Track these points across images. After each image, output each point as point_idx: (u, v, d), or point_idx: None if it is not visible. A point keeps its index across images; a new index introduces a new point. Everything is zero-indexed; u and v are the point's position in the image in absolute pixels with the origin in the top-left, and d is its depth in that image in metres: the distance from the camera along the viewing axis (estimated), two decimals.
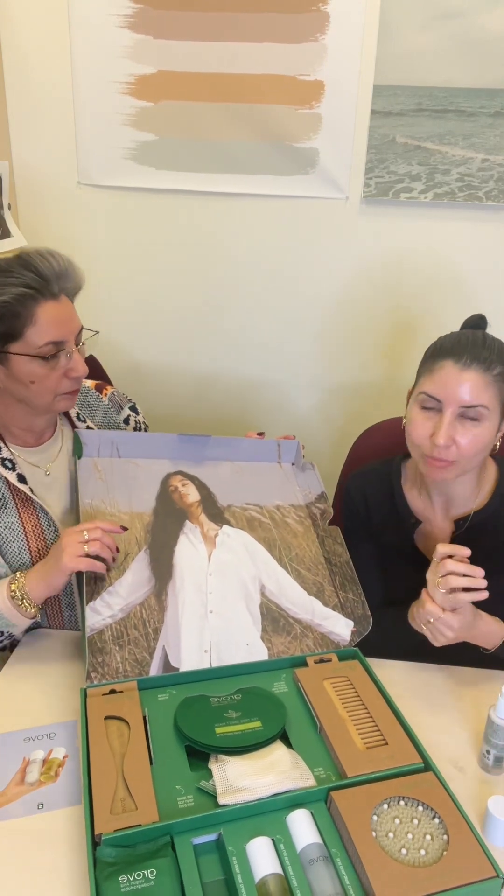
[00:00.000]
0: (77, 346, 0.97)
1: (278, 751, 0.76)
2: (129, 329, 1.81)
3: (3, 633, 0.94)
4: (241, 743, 0.75)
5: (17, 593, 0.92)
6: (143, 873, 0.62)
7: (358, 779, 0.72)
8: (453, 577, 0.84)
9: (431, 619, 0.86)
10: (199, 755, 0.76)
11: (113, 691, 0.82)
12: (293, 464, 1.17)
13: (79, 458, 1.06)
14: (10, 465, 1.00)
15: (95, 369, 1.56)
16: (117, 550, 0.95)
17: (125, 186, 1.66)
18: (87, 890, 0.61)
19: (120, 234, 1.71)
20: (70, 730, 0.84)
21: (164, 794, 0.71)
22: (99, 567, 0.91)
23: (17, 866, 0.68)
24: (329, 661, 0.90)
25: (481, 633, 0.90)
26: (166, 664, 0.88)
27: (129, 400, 1.23)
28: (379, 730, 0.79)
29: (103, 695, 0.82)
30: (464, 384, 0.91)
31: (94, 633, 0.89)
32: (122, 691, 0.82)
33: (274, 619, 0.95)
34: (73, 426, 1.12)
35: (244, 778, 0.71)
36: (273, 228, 1.67)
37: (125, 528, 0.96)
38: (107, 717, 0.79)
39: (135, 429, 1.20)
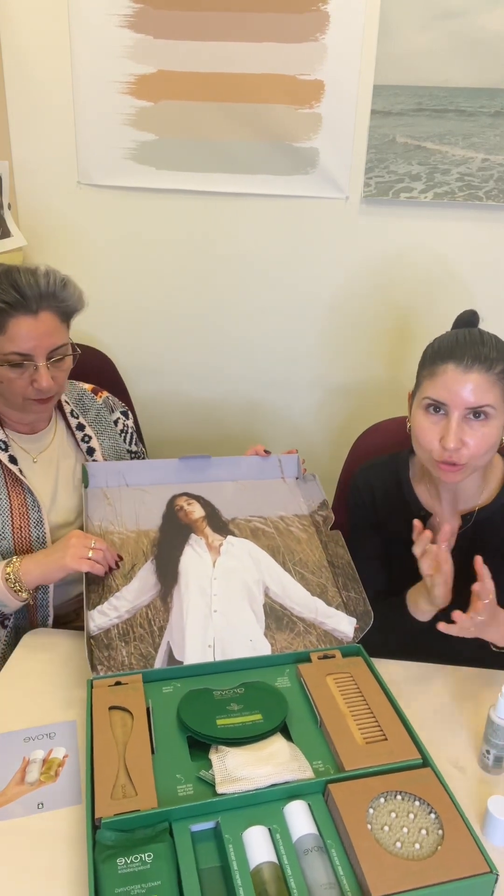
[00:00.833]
0: (50, 360, 1.01)
1: (277, 743, 0.77)
2: (128, 328, 1.82)
3: None
4: (241, 735, 0.77)
5: (12, 576, 0.95)
6: (141, 857, 0.63)
7: (356, 772, 0.73)
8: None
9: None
10: (200, 746, 0.77)
11: (118, 683, 0.84)
12: (296, 478, 1.19)
13: (86, 487, 1.11)
14: (3, 446, 1.06)
15: (108, 370, 1.57)
16: (117, 566, 0.98)
17: (125, 186, 1.67)
18: (87, 890, 0.62)
19: (120, 234, 1.72)
20: (70, 730, 0.84)
21: (164, 782, 0.72)
22: (98, 569, 0.95)
23: (17, 866, 0.68)
24: (332, 657, 0.91)
25: (497, 629, 0.90)
26: (171, 659, 0.89)
27: (123, 406, 1.27)
28: (379, 725, 0.80)
29: (109, 686, 0.83)
30: (468, 386, 0.91)
31: (100, 632, 0.91)
32: (127, 683, 0.84)
33: (277, 617, 0.96)
34: (67, 422, 1.17)
35: (243, 768, 0.72)
36: (273, 228, 1.67)
37: (121, 558, 1.00)
38: (111, 707, 0.80)
39: (122, 431, 1.24)
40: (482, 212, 1.59)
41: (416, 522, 0.94)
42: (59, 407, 1.17)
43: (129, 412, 1.28)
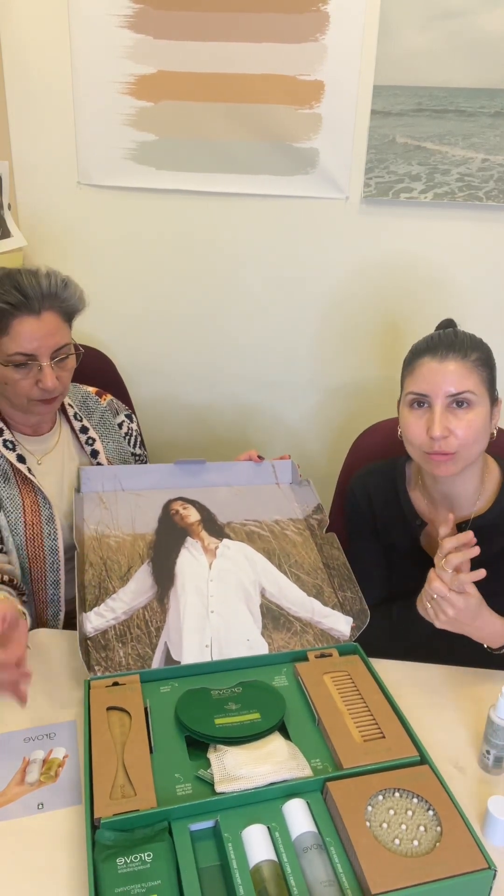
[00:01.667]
0: (54, 360, 1.01)
1: (276, 741, 0.78)
2: (128, 328, 1.82)
3: None
4: (239, 734, 0.77)
5: None
6: (141, 856, 0.63)
7: (354, 770, 0.74)
8: (455, 555, 0.86)
9: (436, 596, 0.87)
10: (198, 745, 0.77)
11: (116, 683, 0.84)
12: (291, 483, 1.20)
13: (77, 491, 1.12)
14: (10, 446, 1.08)
15: (108, 370, 1.57)
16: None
17: (125, 186, 1.67)
18: (87, 891, 0.62)
19: (120, 234, 1.72)
20: (70, 730, 0.85)
21: (162, 781, 0.72)
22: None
23: (17, 866, 0.69)
24: (329, 655, 0.91)
25: (485, 626, 0.90)
26: (168, 659, 0.89)
27: (127, 409, 1.28)
28: (377, 723, 0.80)
29: (106, 686, 0.83)
30: (446, 374, 0.94)
31: (97, 633, 0.91)
32: (124, 683, 0.84)
33: (274, 617, 0.97)
34: (71, 425, 1.16)
35: (241, 767, 0.73)
36: (273, 228, 1.67)
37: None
38: (109, 708, 0.81)
39: (126, 434, 1.25)
40: (482, 212, 1.60)
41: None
42: (63, 410, 1.18)
43: (133, 415, 1.29)
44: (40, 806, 0.75)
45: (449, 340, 0.97)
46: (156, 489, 1.14)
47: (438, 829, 0.67)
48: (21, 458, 1.07)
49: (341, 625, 0.96)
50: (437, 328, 1.04)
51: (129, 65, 1.56)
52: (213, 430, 1.93)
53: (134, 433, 1.26)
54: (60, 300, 1.01)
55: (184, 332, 1.81)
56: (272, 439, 1.91)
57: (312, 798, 0.71)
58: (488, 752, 0.81)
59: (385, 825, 0.67)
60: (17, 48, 1.59)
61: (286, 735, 0.80)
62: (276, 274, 1.72)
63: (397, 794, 0.71)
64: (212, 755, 0.76)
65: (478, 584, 0.88)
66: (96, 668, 0.87)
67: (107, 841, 0.65)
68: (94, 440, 1.18)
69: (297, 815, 0.69)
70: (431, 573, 0.89)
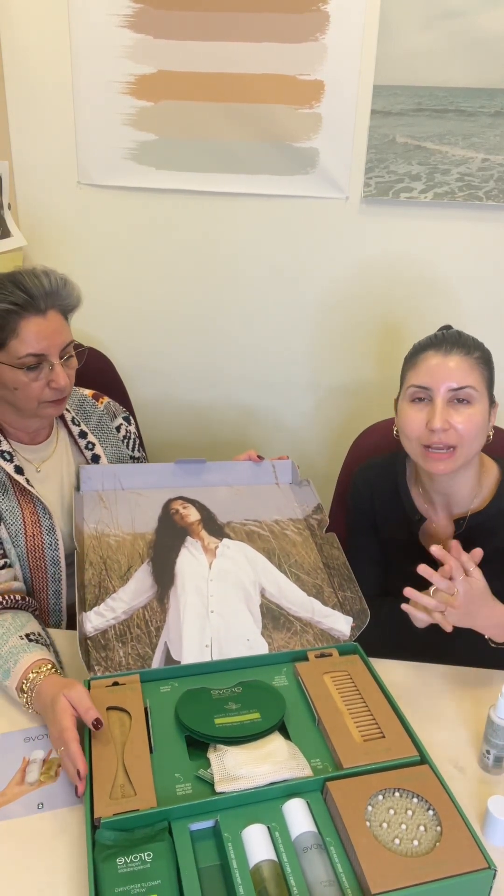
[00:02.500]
0: (62, 359, 1.01)
1: (276, 741, 0.78)
2: (128, 327, 1.82)
3: None
4: (239, 733, 0.77)
5: (25, 687, 0.85)
6: (141, 856, 0.63)
7: (354, 770, 0.74)
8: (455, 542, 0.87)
9: (442, 585, 0.85)
10: (198, 745, 0.77)
11: (116, 683, 0.84)
12: (290, 483, 1.20)
13: (77, 490, 1.11)
14: (7, 457, 1.06)
15: (108, 370, 1.57)
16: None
17: (125, 186, 1.67)
18: (87, 891, 0.62)
19: (120, 234, 1.72)
20: None
21: (162, 781, 0.72)
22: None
23: (17, 866, 0.69)
24: (329, 655, 0.91)
25: (493, 617, 0.89)
26: (168, 659, 0.89)
27: (124, 411, 1.27)
28: (376, 723, 0.80)
29: (106, 686, 0.83)
30: (450, 368, 0.95)
31: (97, 633, 0.91)
32: (124, 683, 0.84)
33: (274, 616, 0.97)
34: (69, 431, 1.15)
35: (241, 767, 0.73)
36: (273, 228, 1.67)
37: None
38: (109, 708, 0.81)
39: (125, 437, 1.24)
40: (482, 212, 1.60)
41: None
42: (61, 416, 1.17)
43: (131, 417, 1.28)
44: (40, 806, 0.75)
45: (453, 338, 0.98)
46: (156, 488, 1.14)
47: (438, 828, 0.67)
48: (19, 469, 1.06)
49: (341, 625, 0.96)
50: (438, 332, 1.05)
51: (129, 65, 1.56)
52: (212, 430, 1.93)
53: (132, 436, 1.26)
54: (62, 298, 1.01)
55: (183, 332, 1.81)
56: (272, 439, 1.91)
57: (312, 798, 0.71)
58: (488, 752, 0.81)
59: (385, 825, 0.67)
60: (17, 48, 1.59)
61: (286, 735, 0.80)
62: (276, 274, 1.72)
63: (397, 794, 0.71)
64: (212, 755, 0.76)
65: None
66: (96, 667, 0.87)
67: (107, 841, 0.65)
68: (93, 445, 1.18)
69: (297, 815, 0.69)
70: (431, 575, 0.87)
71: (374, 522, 1.13)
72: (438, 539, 1.08)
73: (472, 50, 1.47)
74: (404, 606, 0.88)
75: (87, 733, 0.77)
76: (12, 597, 0.97)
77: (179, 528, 1.08)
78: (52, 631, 1.03)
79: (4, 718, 0.86)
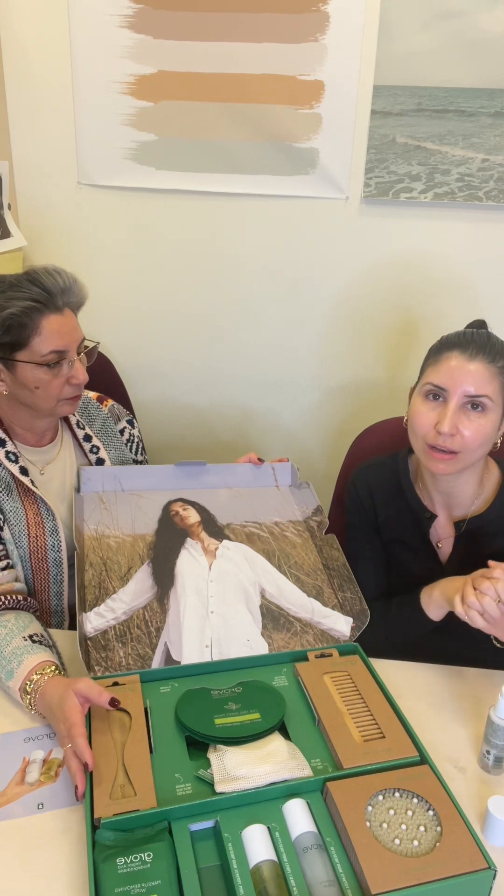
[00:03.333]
0: (79, 355, 1.03)
1: (276, 741, 0.78)
2: (128, 328, 1.82)
3: None
4: (239, 734, 0.77)
5: (29, 688, 0.85)
6: (141, 856, 0.63)
7: (354, 770, 0.74)
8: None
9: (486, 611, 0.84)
10: (198, 745, 0.77)
11: (116, 683, 0.84)
12: (290, 485, 1.21)
13: (78, 491, 1.12)
14: (13, 458, 1.06)
15: (108, 371, 1.57)
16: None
17: (125, 186, 1.67)
18: (87, 891, 0.62)
19: (120, 234, 1.72)
20: None
21: (163, 781, 0.72)
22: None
23: (17, 866, 0.69)
24: (329, 655, 0.91)
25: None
26: (168, 659, 0.89)
27: (128, 414, 1.27)
28: (377, 723, 0.80)
29: (106, 687, 0.83)
30: (470, 373, 0.93)
31: (97, 633, 0.91)
32: (124, 683, 0.84)
33: (274, 617, 0.97)
34: (73, 434, 1.16)
35: (241, 767, 0.73)
36: (273, 228, 1.67)
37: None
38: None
39: (128, 441, 1.24)
40: (482, 212, 1.60)
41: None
42: (66, 418, 1.17)
43: (134, 420, 1.28)
44: (40, 806, 0.75)
45: (482, 341, 0.95)
46: (156, 490, 1.14)
47: (438, 829, 0.67)
48: (24, 471, 1.06)
49: (341, 625, 0.96)
50: (468, 327, 1.02)
51: (129, 65, 1.56)
52: (212, 431, 1.93)
53: (136, 439, 1.26)
54: (74, 295, 1.02)
55: (183, 333, 1.81)
56: (272, 440, 1.91)
57: (312, 798, 0.71)
58: (488, 752, 0.81)
59: (385, 825, 0.67)
60: (17, 48, 1.59)
61: (286, 735, 0.80)
62: (276, 274, 1.72)
63: (397, 794, 0.71)
64: (212, 755, 0.76)
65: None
66: (96, 668, 0.87)
67: (107, 841, 0.65)
68: (98, 448, 1.18)
69: (297, 815, 0.69)
70: (483, 577, 0.85)
71: (374, 523, 1.13)
72: (439, 538, 1.08)
73: (472, 50, 1.47)
74: (468, 593, 0.84)
75: (88, 734, 0.77)
76: (14, 597, 0.97)
77: (179, 530, 1.08)
78: (52, 631, 1.03)
79: (5, 718, 0.86)
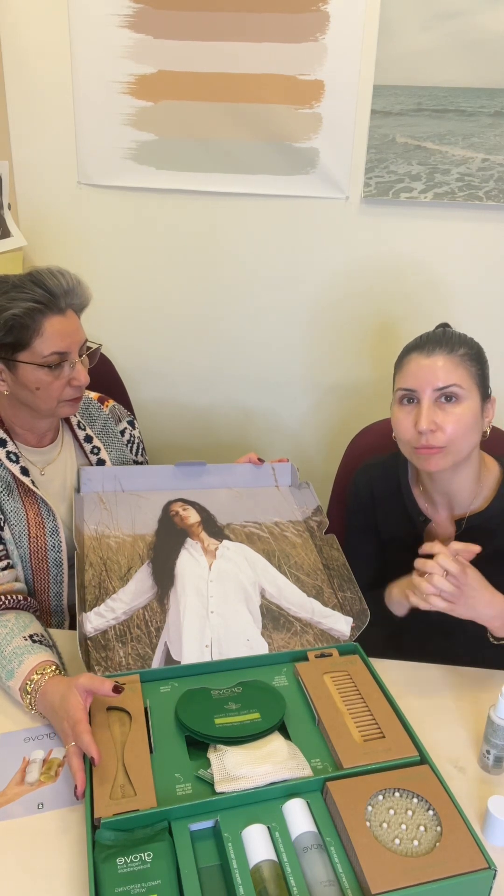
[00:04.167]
0: (80, 357, 1.03)
1: (276, 741, 0.78)
2: (128, 328, 1.82)
3: None
4: (239, 733, 0.77)
5: (29, 688, 0.85)
6: (141, 856, 0.63)
7: (354, 770, 0.74)
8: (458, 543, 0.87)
9: (435, 574, 0.86)
10: (198, 745, 0.77)
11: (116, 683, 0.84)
12: (290, 485, 1.21)
13: (78, 492, 1.12)
14: (14, 458, 1.06)
15: (108, 371, 1.57)
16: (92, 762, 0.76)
17: (125, 186, 1.67)
18: (87, 891, 0.62)
19: (120, 234, 1.72)
20: None
21: (162, 781, 0.72)
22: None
23: (17, 866, 0.68)
24: (329, 655, 0.91)
25: (494, 605, 0.88)
26: (168, 659, 0.89)
27: (129, 415, 1.27)
28: (377, 723, 0.80)
29: None
30: (432, 369, 0.95)
31: (97, 633, 0.91)
32: (124, 683, 0.84)
33: (274, 617, 0.97)
34: (74, 434, 1.16)
35: (241, 767, 0.73)
36: (273, 228, 1.67)
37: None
38: (109, 708, 0.81)
39: (129, 441, 1.24)
40: (482, 212, 1.60)
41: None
42: (67, 419, 1.17)
43: (135, 421, 1.28)
44: (40, 806, 0.75)
45: (436, 337, 0.98)
46: (156, 490, 1.14)
47: (438, 828, 0.67)
48: (24, 471, 1.06)
49: (341, 625, 0.96)
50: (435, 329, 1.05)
51: (129, 65, 1.56)
52: (212, 431, 1.93)
53: (136, 440, 1.26)
54: (78, 297, 1.02)
55: (183, 333, 1.81)
56: (272, 440, 1.91)
57: (312, 798, 0.71)
58: (488, 752, 0.81)
59: (385, 825, 0.67)
60: (17, 48, 1.59)
61: (286, 735, 0.80)
62: (276, 274, 1.72)
63: (397, 794, 0.71)
64: (212, 755, 0.76)
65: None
66: (96, 668, 0.87)
67: (107, 841, 0.65)
68: (98, 449, 1.18)
69: (297, 815, 0.69)
70: (419, 560, 0.88)
71: (374, 522, 1.13)
72: (440, 539, 1.08)
73: (472, 50, 1.47)
74: (415, 579, 0.88)
75: None
76: (14, 597, 0.97)
77: (179, 530, 1.08)
78: (52, 631, 1.03)
79: (5, 718, 0.86)
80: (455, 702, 0.93)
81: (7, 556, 1.03)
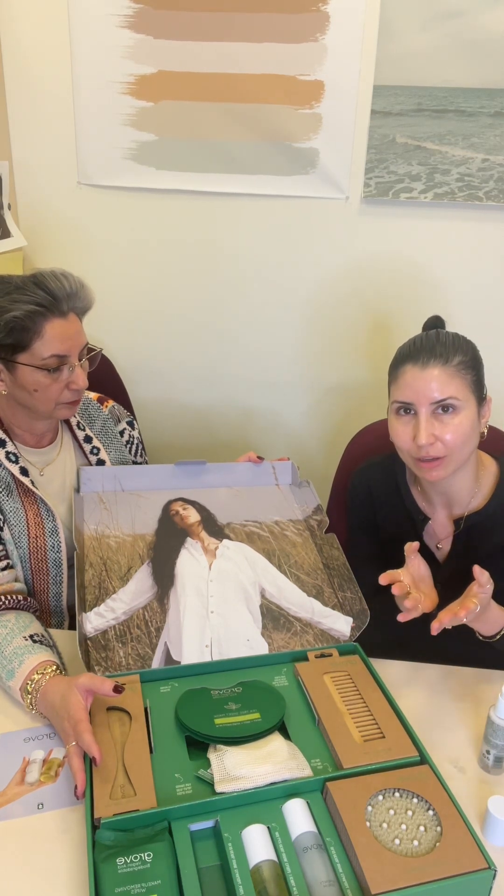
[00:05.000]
0: (80, 360, 1.03)
1: (276, 741, 0.78)
2: (128, 327, 1.82)
3: None
4: (239, 733, 0.77)
5: (30, 688, 0.85)
6: (141, 856, 0.63)
7: (354, 770, 0.74)
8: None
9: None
10: (198, 745, 0.77)
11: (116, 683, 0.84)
12: (290, 484, 1.21)
13: (77, 491, 1.11)
14: (13, 459, 1.06)
15: (108, 371, 1.57)
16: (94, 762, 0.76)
17: (125, 186, 1.67)
18: (87, 891, 0.62)
19: (120, 234, 1.72)
20: None
21: (162, 781, 0.72)
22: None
23: (17, 866, 0.68)
24: (329, 655, 0.91)
25: (489, 616, 0.88)
26: (168, 659, 0.89)
27: (129, 415, 1.27)
28: (377, 723, 0.80)
29: None
30: (428, 382, 0.93)
31: (97, 633, 0.91)
32: (124, 683, 0.84)
33: (274, 617, 0.97)
34: (74, 435, 1.15)
35: (241, 767, 0.73)
36: (273, 228, 1.68)
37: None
38: (109, 708, 0.81)
39: (128, 442, 1.24)
40: (482, 212, 1.60)
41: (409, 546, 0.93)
42: (66, 420, 1.17)
43: (135, 421, 1.28)
44: (40, 806, 0.75)
45: (430, 345, 0.95)
46: (156, 490, 1.14)
47: (438, 828, 0.67)
48: (24, 471, 1.06)
49: (341, 625, 0.96)
50: (424, 326, 1.03)
51: (129, 65, 1.56)
52: (212, 431, 1.93)
53: (135, 441, 1.26)
54: (80, 300, 1.02)
55: (183, 333, 1.81)
56: (271, 439, 1.91)
57: (312, 798, 0.71)
58: (488, 752, 0.81)
59: (385, 825, 0.67)
60: (17, 48, 1.59)
61: (286, 735, 0.80)
62: (276, 274, 1.72)
63: (397, 794, 0.71)
64: (212, 755, 0.76)
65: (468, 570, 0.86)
66: (96, 668, 0.87)
67: (107, 841, 0.65)
68: (98, 449, 1.18)
69: (297, 815, 0.69)
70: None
71: (373, 521, 1.13)
72: (438, 538, 1.08)
73: (472, 50, 1.47)
74: (437, 628, 0.84)
75: None
76: (14, 597, 0.97)
77: (179, 530, 1.08)
78: (52, 631, 1.03)
79: (5, 718, 0.86)
80: (455, 702, 0.93)
81: (7, 557, 1.03)
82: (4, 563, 1.02)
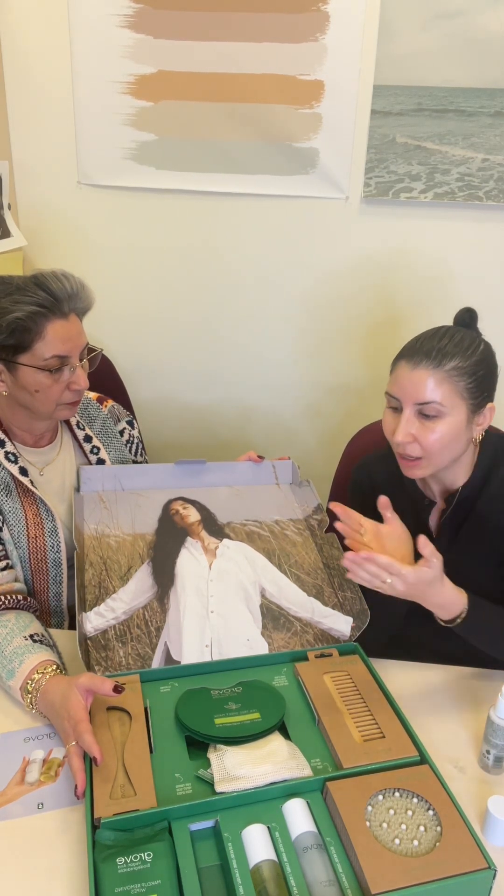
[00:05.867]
0: (81, 361, 1.03)
1: (276, 741, 0.78)
2: (128, 327, 1.82)
3: None
4: (239, 733, 0.77)
5: (30, 688, 0.85)
6: (141, 856, 0.63)
7: (354, 770, 0.74)
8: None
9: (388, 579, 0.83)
10: (198, 745, 0.77)
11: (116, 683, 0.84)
12: (291, 483, 1.21)
13: (77, 491, 1.11)
14: (12, 458, 1.06)
15: (108, 371, 1.57)
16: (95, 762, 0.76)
17: (125, 186, 1.67)
18: (87, 891, 0.62)
19: (120, 234, 1.72)
20: None
21: (162, 781, 0.72)
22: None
23: (17, 866, 0.69)
24: (329, 655, 0.91)
25: (438, 597, 0.86)
26: (168, 659, 0.89)
27: (128, 415, 1.27)
28: (377, 723, 0.80)
29: None
30: (415, 383, 0.92)
31: (97, 633, 0.91)
32: (124, 683, 0.84)
33: (274, 617, 0.97)
34: (74, 435, 1.16)
35: (241, 767, 0.73)
36: (273, 228, 1.68)
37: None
38: (109, 708, 0.81)
39: (128, 441, 1.24)
40: (482, 212, 1.60)
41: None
42: (66, 419, 1.17)
43: (134, 421, 1.28)
44: (40, 806, 0.75)
45: (428, 346, 0.93)
46: (156, 489, 1.14)
47: (438, 828, 0.67)
48: (23, 471, 1.06)
49: (341, 624, 0.96)
50: (456, 316, 1.02)
51: (129, 65, 1.56)
52: (212, 430, 1.93)
53: (135, 440, 1.26)
54: (81, 301, 1.02)
55: (183, 333, 1.81)
56: (271, 439, 1.91)
57: (312, 798, 0.71)
58: (488, 752, 0.81)
59: (385, 825, 0.67)
60: (17, 48, 1.59)
61: (286, 735, 0.80)
62: (276, 274, 1.72)
63: (397, 794, 0.71)
64: (212, 755, 0.76)
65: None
66: (96, 667, 0.87)
67: (107, 841, 0.66)
68: (98, 449, 1.18)
69: (297, 815, 0.69)
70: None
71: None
72: (434, 516, 1.08)
73: (472, 50, 1.47)
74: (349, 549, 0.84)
75: None
76: (14, 597, 0.97)
77: (179, 529, 1.08)
78: (52, 631, 1.03)
79: (6, 718, 0.86)
80: (455, 702, 0.93)
81: (6, 557, 1.03)
82: (4, 563, 1.02)
